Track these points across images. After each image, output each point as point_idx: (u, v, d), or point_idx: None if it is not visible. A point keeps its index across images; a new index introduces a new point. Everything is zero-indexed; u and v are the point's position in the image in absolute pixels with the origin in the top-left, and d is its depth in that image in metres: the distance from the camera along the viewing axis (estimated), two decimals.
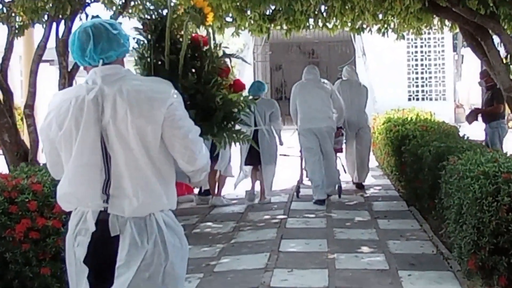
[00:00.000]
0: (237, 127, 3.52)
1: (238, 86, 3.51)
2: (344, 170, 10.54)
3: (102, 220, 2.87)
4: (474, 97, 31.19)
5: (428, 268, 5.90)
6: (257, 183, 9.62)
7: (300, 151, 9.94)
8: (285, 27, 10.78)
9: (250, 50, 23.38)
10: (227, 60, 3.52)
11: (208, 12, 3.34)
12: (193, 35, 3.39)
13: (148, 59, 3.28)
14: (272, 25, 10.55)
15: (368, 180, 11.20)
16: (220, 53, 3.44)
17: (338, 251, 6.56)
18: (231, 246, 6.94)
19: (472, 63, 31.88)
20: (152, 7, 3.38)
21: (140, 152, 2.83)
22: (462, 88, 30.55)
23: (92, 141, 2.83)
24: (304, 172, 9.81)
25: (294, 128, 10.09)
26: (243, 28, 10.64)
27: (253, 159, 9.26)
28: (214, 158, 7.84)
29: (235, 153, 8.99)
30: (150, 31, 3.32)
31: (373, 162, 12.89)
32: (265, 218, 8.34)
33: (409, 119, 11.20)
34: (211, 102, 3.29)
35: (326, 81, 9.95)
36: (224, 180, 9.41)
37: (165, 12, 3.32)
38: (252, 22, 10.42)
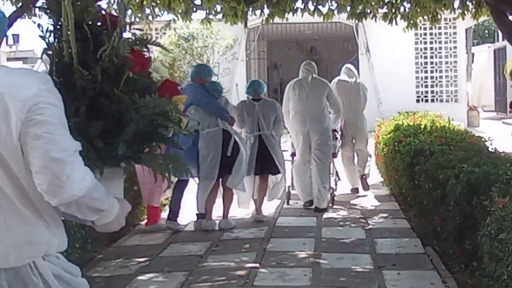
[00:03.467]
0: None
1: (166, 89, 2.61)
2: (338, 177, 9.64)
3: None
4: (485, 98, 29.16)
5: None
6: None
7: (291, 155, 9.08)
8: (266, 11, 8.60)
9: (242, 46, 21.18)
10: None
11: None
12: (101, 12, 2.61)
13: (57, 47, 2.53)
14: (250, 8, 8.37)
15: (371, 202, 9.17)
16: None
17: None
18: None
19: (482, 62, 29.94)
20: None
21: None
22: (472, 89, 28.50)
23: None
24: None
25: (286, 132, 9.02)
26: (214, 13, 8.45)
27: (260, 168, 8.08)
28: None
29: None
30: (50, 9, 2.57)
31: (377, 177, 10.72)
32: (230, 266, 6.08)
33: (422, 127, 8.98)
34: (125, 110, 2.44)
35: (323, 79, 9.11)
36: (232, 197, 7.88)
37: None
38: (225, 5, 8.24)
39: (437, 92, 21.57)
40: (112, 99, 2.43)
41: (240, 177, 7.59)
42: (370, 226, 7.61)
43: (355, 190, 9.85)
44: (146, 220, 7.95)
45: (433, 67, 21.56)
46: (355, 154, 9.92)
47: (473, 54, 30.54)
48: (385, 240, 6.92)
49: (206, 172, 7.51)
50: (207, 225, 7.58)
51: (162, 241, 7.17)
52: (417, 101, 21.29)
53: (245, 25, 9.14)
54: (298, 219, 8.02)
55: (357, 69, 21.72)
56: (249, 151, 7.88)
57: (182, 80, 19.90)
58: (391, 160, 9.01)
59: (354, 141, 9.85)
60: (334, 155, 9.32)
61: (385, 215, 8.27)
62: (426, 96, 21.55)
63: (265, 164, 8.08)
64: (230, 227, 7.62)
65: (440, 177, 5.82)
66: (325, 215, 8.27)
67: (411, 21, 9.12)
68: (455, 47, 21.54)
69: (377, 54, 20.54)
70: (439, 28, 21.12)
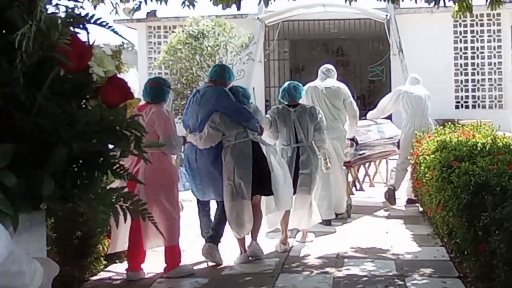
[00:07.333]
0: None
1: (114, 90, 1.87)
2: (356, 187, 9.83)
3: None
4: None
5: None
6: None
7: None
8: None
9: (259, 45, 18.92)
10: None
11: None
12: None
13: None
14: None
15: (408, 246, 6.93)
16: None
17: None
18: None
19: None
20: None
21: None
22: None
23: None
24: None
25: None
26: None
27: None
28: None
29: None
30: None
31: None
32: None
33: (478, 146, 6.63)
34: (50, 126, 1.81)
35: (340, 84, 8.62)
36: (262, 218, 6.72)
37: None
38: None
39: (479, 97, 19.31)
40: (30, 109, 1.74)
41: (288, 195, 6.68)
42: None
43: (410, 201, 9.35)
44: (164, 265, 5.99)
45: (475, 69, 19.34)
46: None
47: None
48: None
49: (237, 191, 6.30)
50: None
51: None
52: (456, 107, 19.19)
53: (238, 8, 6.94)
54: (307, 278, 5.71)
55: (389, 71, 19.57)
56: (286, 166, 6.85)
57: (190, 84, 17.73)
58: (437, 191, 6.63)
59: None
60: (349, 164, 8.85)
61: (429, 270, 5.91)
62: (466, 102, 19.29)
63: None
64: (259, 255, 6.52)
65: None
66: (345, 270, 5.97)
67: (464, 3, 6.73)
68: (499, 46, 19.25)
69: (411, 54, 18.28)
70: (481, 25, 18.94)
